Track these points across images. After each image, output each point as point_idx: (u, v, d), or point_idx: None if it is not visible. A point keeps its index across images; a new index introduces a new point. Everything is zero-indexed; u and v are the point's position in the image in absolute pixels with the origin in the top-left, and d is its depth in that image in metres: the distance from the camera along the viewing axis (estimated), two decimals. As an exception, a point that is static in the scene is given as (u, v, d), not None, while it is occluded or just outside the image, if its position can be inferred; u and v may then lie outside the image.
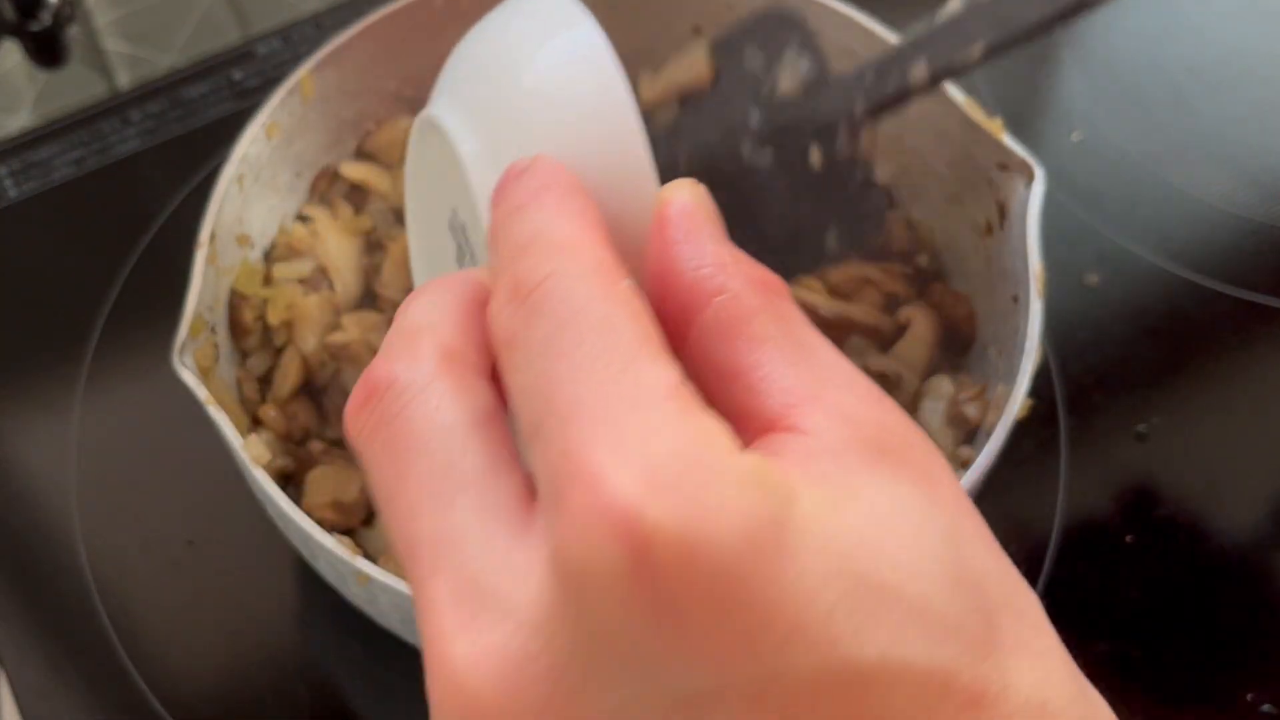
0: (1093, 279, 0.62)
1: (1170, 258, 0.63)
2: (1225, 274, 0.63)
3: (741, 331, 0.23)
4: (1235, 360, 0.61)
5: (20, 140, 0.70)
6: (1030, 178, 0.48)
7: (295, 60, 0.70)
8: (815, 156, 0.43)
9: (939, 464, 0.23)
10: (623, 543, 0.19)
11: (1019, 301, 0.48)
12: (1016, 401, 0.44)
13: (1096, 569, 0.55)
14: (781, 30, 0.44)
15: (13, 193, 0.69)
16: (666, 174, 0.35)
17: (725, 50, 0.45)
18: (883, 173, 0.58)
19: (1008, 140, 0.49)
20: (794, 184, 0.43)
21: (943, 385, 0.51)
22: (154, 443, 0.60)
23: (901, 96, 0.42)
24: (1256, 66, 0.71)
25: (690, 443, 0.20)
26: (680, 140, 0.44)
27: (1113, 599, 0.54)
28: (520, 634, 0.20)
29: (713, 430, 0.21)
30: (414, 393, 0.23)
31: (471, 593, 0.21)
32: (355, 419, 0.24)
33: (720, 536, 0.19)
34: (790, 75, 0.43)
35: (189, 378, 0.45)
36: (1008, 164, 0.49)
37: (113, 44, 0.75)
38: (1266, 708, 0.51)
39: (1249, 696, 0.51)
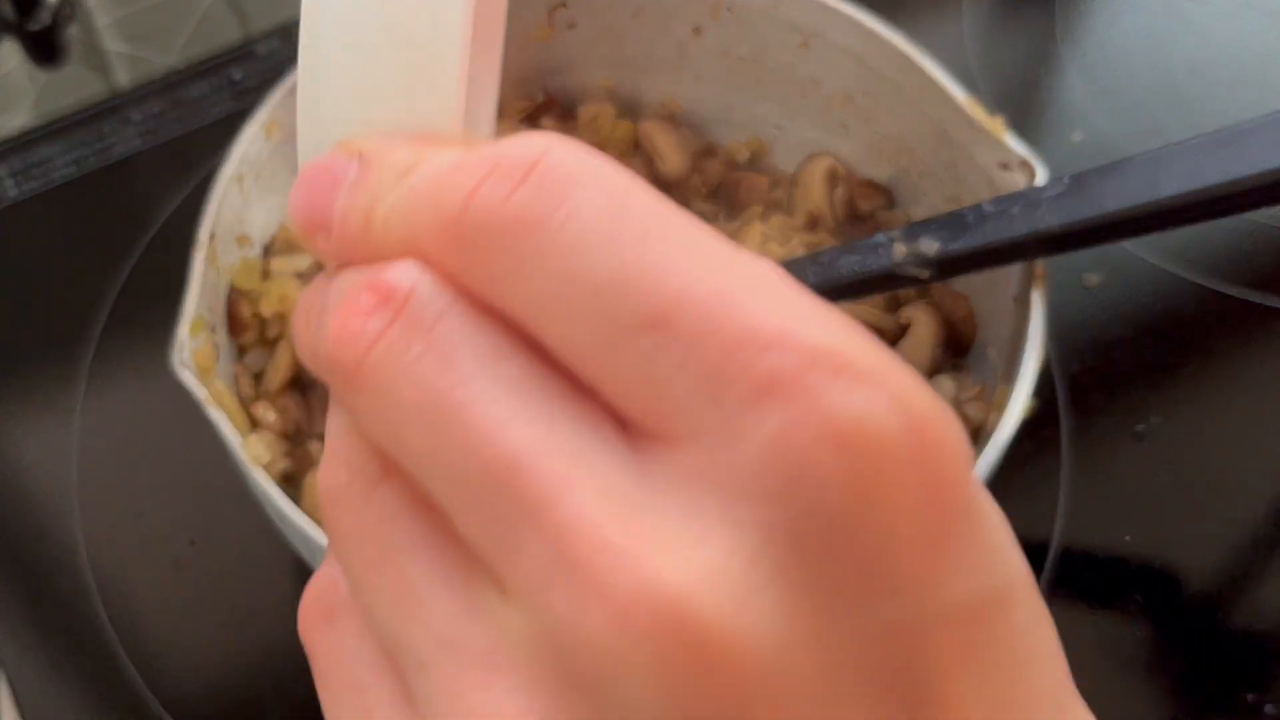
0: (1093, 279, 0.62)
1: (1170, 258, 0.63)
2: (1225, 274, 0.63)
3: None
4: (1235, 360, 0.61)
5: (20, 140, 0.70)
6: (1031, 177, 0.48)
7: (295, 59, 0.70)
8: None
9: None
10: (906, 431, 0.16)
11: (1020, 302, 0.48)
12: (1019, 402, 0.44)
13: (1097, 569, 0.55)
14: None
15: (13, 193, 0.69)
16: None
17: None
18: (881, 173, 0.58)
19: (1009, 140, 0.49)
20: None
21: (944, 386, 0.51)
22: (154, 443, 0.60)
23: None
24: (1257, 66, 0.71)
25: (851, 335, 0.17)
26: None
27: (1113, 598, 0.54)
28: (742, 553, 0.16)
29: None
30: (444, 299, 0.18)
31: (634, 505, 0.16)
32: (359, 325, 0.18)
33: (965, 439, 0.18)
34: None
35: (189, 378, 0.45)
36: (1009, 164, 0.49)
37: (113, 44, 0.75)
38: (1269, 709, 0.51)
39: (1250, 697, 0.52)
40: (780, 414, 0.16)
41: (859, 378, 0.16)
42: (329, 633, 0.20)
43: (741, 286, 0.16)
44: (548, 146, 0.17)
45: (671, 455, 0.16)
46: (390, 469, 0.18)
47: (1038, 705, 0.18)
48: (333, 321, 0.18)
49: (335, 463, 0.19)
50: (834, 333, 0.17)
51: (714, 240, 0.17)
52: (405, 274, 0.18)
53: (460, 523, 0.17)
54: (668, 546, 0.16)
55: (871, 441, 0.16)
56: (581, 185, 0.17)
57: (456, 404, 0.17)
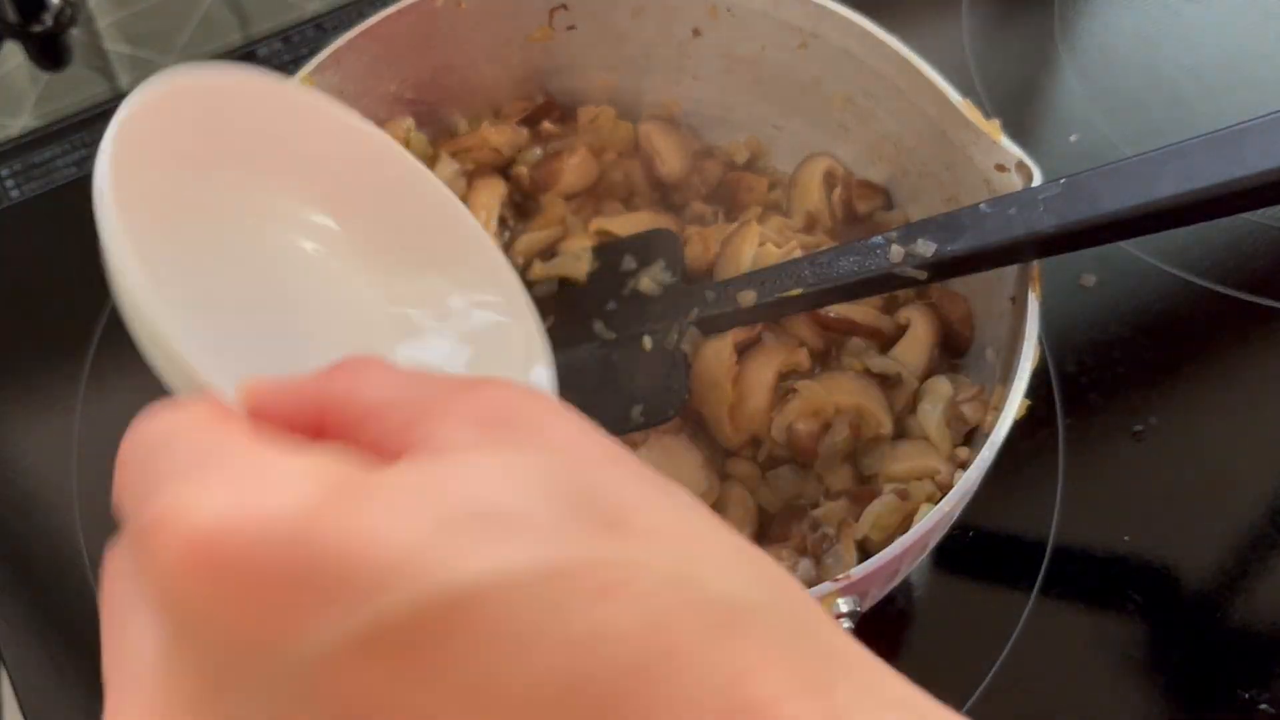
0: (1090, 280, 0.62)
1: (1167, 258, 0.63)
2: (1222, 275, 0.63)
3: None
4: (1232, 360, 0.61)
5: (22, 141, 0.71)
6: (1028, 179, 0.48)
7: (296, 62, 0.70)
8: (646, 342, 0.52)
9: (568, 428, 0.24)
10: (186, 550, 0.20)
11: (1016, 302, 0.49)
12: (1014, 402, 0.44)
13: (1094, 568, 0.55)
14: (658, 244, 0.55)
15: (15, 193, 0.69)
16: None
17: (608, 252, 0.56)
18: (879, 174, 0.58)
19: (1005, 142, 0.49)
20: (622, 360, 0.52)
21: (941, 386, 0.51)
22: (155, 443, 0.60)
23: (728, 315, 0.51)
24: (1254, 68, 0.71)
25: (243, 467, 0.22)
26: (551, 309, 0.54)
27: (1110, 597, 0.54)
28: (149, 680, 0.22)
29: (269, 454, 0.22)
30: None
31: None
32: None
33: (265, 512, 0.20)
34: (651, 279, 0.54)
35: (191, 378, 0.45)
36: (1006, 165, 0.49)
37: (114, 45, 0.75)
38: (1264, 706, 0.51)
39: (1246, 695, 0.52)
40: (142, 566, 0.22)
41: (163, 523, 0.21)
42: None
43: (150, 472, 0.23)
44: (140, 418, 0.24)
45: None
46: None
47: (587, 684, 0.19)
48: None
49: None
50: (182, 485, 0.22)
51: (180, 443, 0.23)
52: None
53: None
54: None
55: (169, 572, 0.21)
56: (134, 432, 0.24)
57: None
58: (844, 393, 0.51)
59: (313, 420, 0.25)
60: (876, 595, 0.46)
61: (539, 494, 0.21)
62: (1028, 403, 0.45)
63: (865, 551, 0.48)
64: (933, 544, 0.47)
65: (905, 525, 0.47)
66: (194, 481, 0.22)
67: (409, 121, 0.59)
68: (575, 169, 0.58)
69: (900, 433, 0.52)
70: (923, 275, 0.48)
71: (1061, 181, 0.45)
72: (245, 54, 0.73)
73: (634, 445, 0.51)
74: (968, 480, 0.43)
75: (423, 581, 0.19)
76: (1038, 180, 0.48)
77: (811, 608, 0.22)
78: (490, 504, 0.20)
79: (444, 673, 0.19)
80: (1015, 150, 0.49)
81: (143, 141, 0.32)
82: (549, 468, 0.22)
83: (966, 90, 0.52)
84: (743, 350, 0.52)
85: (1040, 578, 0.54)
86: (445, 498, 0.20)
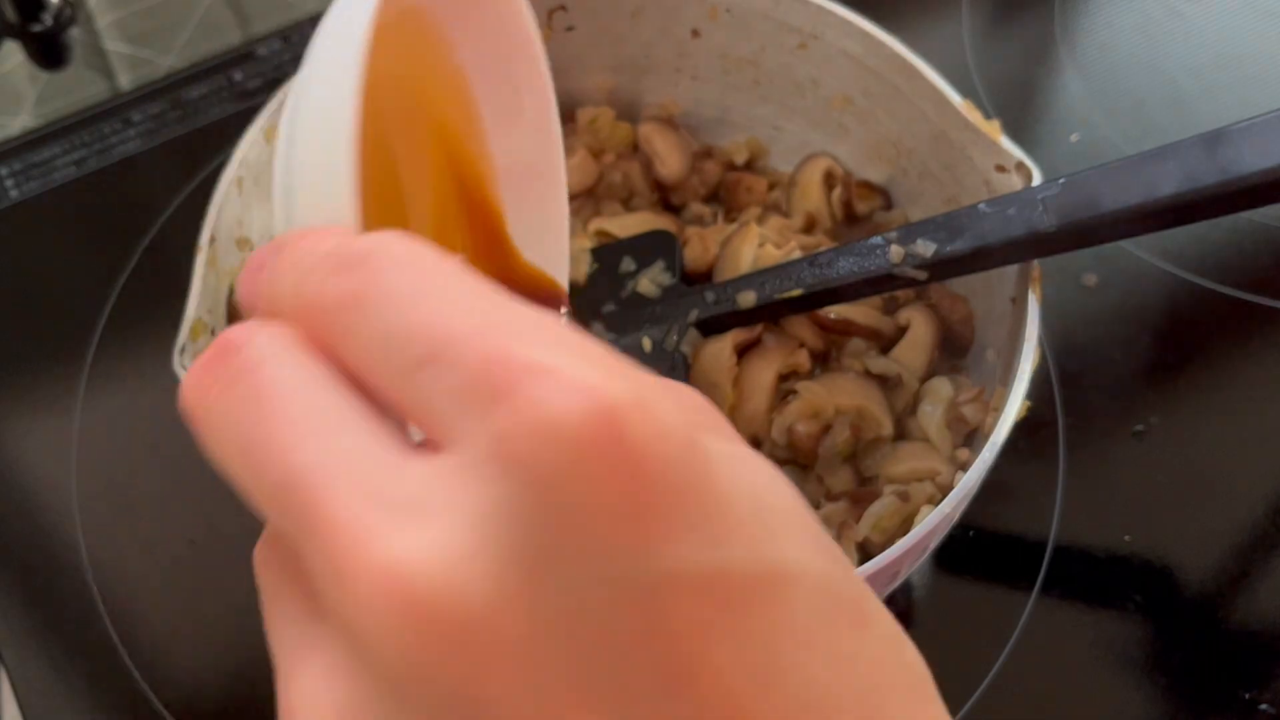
0: (1090, 280, 0.62)
1: (1168, 258, 0.63)
2: (1223, 274, 0.63)
3: None
4: (1233, 360, 0.61)
5: (21, 141, 0.71)
6: (1028, 180, 0.48)
7: (296, 61, 0.70)
8: (645, 343, 0.52)
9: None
10: (593, 416, 0.19)
11: (1017, 303, 0.49)
12: (1015, 403, 0.44)
13: (1094, 569, 0.55)
14: (658, 245, 0.55)
15: (14, 193, 0.69)
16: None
17: (606, 253, 0.56)
18: (879, 174, 0.58)
19: (1005, 142, 0.49)
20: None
21: (942, 387, 0.51)
22: (155, 443, 0.60)
23: (727, 317, 0.51)
24: (1254, 67, 0.71)
25: (608, 354, 0.21)
26: None
27: (1111, 598, 0.54)
28: (465, 527, 0.19)
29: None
30: (275, 348, 0.22)
31: (390, 500, 0.20)
32: (203, 377, 0.22)
33: (676, 425, 0.20)
34: (650, 280, 0.54)
35: (190, 379, 0.45)
36: (1005, 166, 0.49)
37: (114, 45, 0.75)
38: (1264, 707, 0.51)
39: (1246, 695, 0.52)
40: (499, 416, 0.19)
41: (558, 381, 0.19)
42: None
43: (493, 327, 0.20)
44: (377, 244, 0.22)
45: (438, 459, 0.20)
46: None
47: (833, 700, 0.20)
48: (187, 375, 0.23)
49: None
50: (549, 350, 0.20)
51: (487, 298, 0.21)
52: (240, 331, 0.22)
53: (275, 534, 0.23)
54: (408, 530, 0.19)
55: (560, 431, 0.19)
56: (390, 270, 0.21)
57: (261, 431, 0.21)
58: (844, 394, 0.51)
59: None
60: (877, 597, 0.46)
61: (801, 505, 0.22)
62: (1028, 403, 0.45)
63: (866, 553, 0.48)
64: (933, 545, 0.47)
65: (906, 527, 0.47)
66: (564, 344, 0.20)
67: (408, 122, 0.59)
68: (574, 170, 0.58)
69: (901, 434, 0.52)
70: (922, 275, 0.47)
71: (1061, 181, 0.45)
72: (245, 53, 0.73)
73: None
74: (968, 481, 0.43)
75: (756, 551, 0.20)
76: (1038, 181, 0.48)
77: None
78: (785, 501, 0.22)
79: (744, 639, 0.20)
80: (1015, 151, 0.49)
81: None
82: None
83: (966, 91, 0.51)
84: (742, 351, 0.52)
85: (1041, 578, 0.54)
86: (754, 482, 0.21)
